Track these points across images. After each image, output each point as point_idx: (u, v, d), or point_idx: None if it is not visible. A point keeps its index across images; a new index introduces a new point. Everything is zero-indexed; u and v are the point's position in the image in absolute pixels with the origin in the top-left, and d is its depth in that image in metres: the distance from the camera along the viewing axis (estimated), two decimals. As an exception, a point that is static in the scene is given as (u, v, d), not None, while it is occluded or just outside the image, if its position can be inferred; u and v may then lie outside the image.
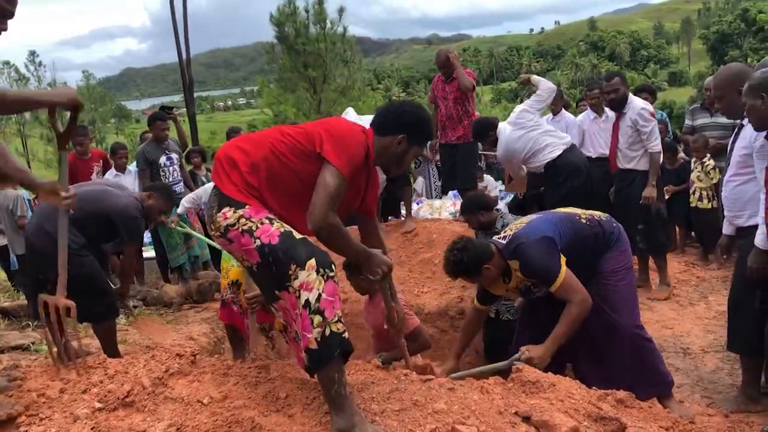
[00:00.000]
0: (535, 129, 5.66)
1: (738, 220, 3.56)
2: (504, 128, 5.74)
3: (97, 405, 2.38)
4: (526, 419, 2.41)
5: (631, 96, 5.41)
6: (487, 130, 5.84)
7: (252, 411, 2.34)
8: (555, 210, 3.73)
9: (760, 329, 3.16)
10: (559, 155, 5.55)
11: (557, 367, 3.40)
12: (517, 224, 3.48)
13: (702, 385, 3.91)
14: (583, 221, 3.50)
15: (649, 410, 2.81)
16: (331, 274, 2.27)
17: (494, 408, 2.46)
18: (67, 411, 2.36)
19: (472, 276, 3.39)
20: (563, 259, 3.24)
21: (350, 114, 7.77)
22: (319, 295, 2.21)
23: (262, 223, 2.35)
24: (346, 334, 2.24)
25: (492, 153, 9.12)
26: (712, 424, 3.22)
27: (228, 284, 3.97)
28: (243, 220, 2.36)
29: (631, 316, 3.48)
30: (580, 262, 3.30)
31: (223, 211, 2.40)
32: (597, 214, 3.61)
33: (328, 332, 2.20)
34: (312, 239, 2.42)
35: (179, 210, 6.48)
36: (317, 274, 2.23)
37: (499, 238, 3.47)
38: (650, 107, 5.36)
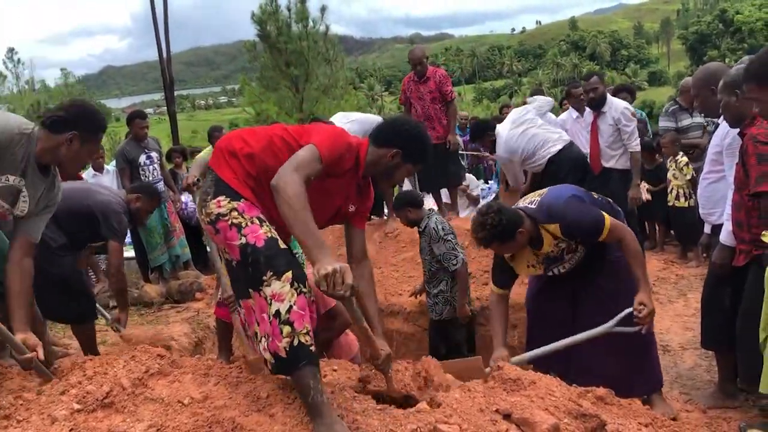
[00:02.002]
0: (534, 125, 5.67)
1: (711, 217, 3.61)
2: (503, 128, 5.71)
3: (76, 406, 2.35)
4: (507, 417, 2.42)
5: (609, 96, 5.48)
6: (484, 131, 5.83)
7: (233, 411, 2.33)
8: (573, 185, 3.71)
9: (732, 326, 3.20)
10: (560, 150, 5.51)
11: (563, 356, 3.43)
12: (535, 194, 3.44)
13: (680, 381, 3.95)
14: (597, 197, 3.54)
15: (628, 407, 2.84)
16: (305, 289, 2.29)
17: (475, 406, 2.47)
18: (45, 413, 2.33)
19: (506, 241, 3.23)
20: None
21: (338, 117, 7.73)
22: (290, 306, 2.23)
23: (252, 222, 2.35)
24: (313, 348, 2.26)
25: (477, 153, 9.19)
26: (691, 420, 3.25)
27: None
28: (235, 213, 2.36)
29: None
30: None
31: (218, 198, 2.41)
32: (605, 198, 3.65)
33: (296, 342, 2.22)
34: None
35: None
36: (291, 287, 2.25)
37: (525, 204, 3.39)
38: (631, 107, 5.45)
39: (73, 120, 2.66)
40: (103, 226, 3.87)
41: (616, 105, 5.35)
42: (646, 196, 6.05)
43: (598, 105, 5.40)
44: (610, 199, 3.66)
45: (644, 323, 3.13)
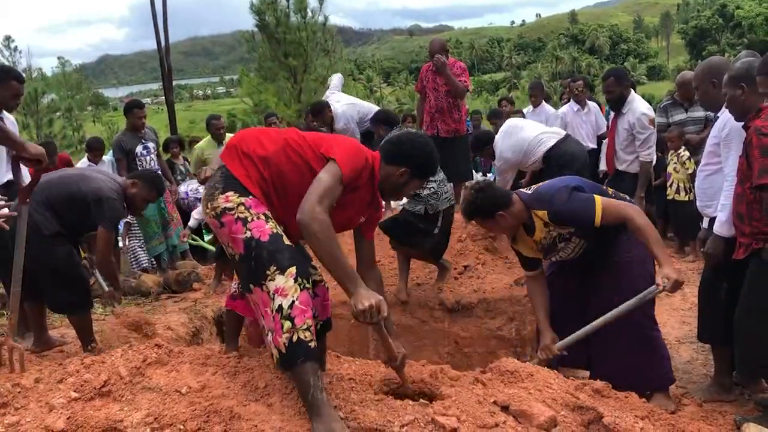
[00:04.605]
0: (523, 131, 5.72)
1: (708, 209, 3.61)
2: (498, 139, 5.81)
3: (73, 395, 2.35)
4: (505, 408, 2.43)
5: (633, 96, 5.20)
6: (484, 144, 6.00)
7: (231, 401, 2.33)
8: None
9: (728, 320, 3.21)
10: (554, 145, 5.49)
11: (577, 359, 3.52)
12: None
13: (677, 375, 3.95)
14: (610, 192, 3.49)
15: (625, 400, 2.85)
16: (308, 285, 2.34)
17: (474, 397, 2.48)
18: (43, 401, 2.34)
19: (485, 219, 3.36)
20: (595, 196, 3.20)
21: (335, 79, 7.73)
22: (293, 302, 2.26)
23: (258, 218, 2.39)
24: (313, 344, 2.27)
25: None
26: (686, 413, 3.26)
27: None
28: (242, 208, 2.41)
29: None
30: (603, 230, 3.25)
31: (227, 194, 2.45)
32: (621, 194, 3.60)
33: (295, 339, 2.24)
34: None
35: (191, 223, 6.90)
36: (295, 282, 2.29)
37: (523, 191, 3.44)
38: (651, 113, 5.16)
39: None
40: (93, 212, 3.82)
41: (634, 108, 5.09)
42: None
43: (615, 106, 5.21)
44: (626, 198, 3.57)
45: (672, 292, 3.08)
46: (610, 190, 3.54)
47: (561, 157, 5.42)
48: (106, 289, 4.15)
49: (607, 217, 3.14)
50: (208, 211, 2.49)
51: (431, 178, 4.83)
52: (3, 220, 3.03)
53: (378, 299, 2.25)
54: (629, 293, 3.19)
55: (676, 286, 3.01)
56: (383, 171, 2.64)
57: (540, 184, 3.40)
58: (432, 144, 2.76)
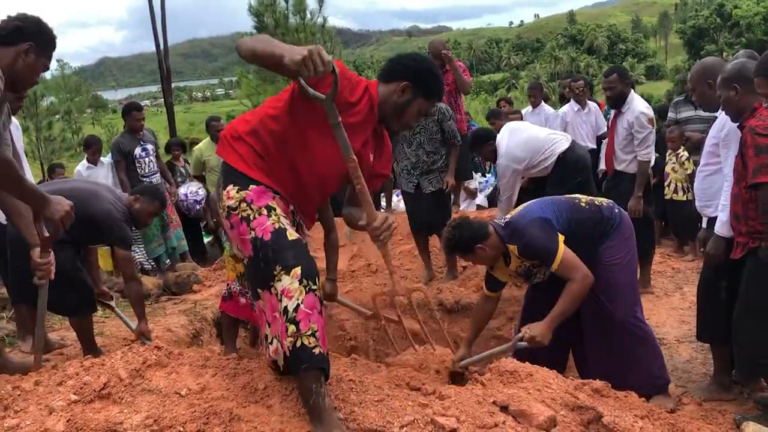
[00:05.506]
0: (529, 129, 5.57)
1: (707, 209, 3.61)
2: (502, 138, 5.44)
3: (73, 397, 2.35)
4: (504, 409, 2.43)
5: (632, 95, 5.13)
6: (485, 140, 5.59)
7: (230, 402, 2.33)
8: (554, 197, 3.68)
9: (727, 319, 3.21)
10: (567, 149, 5.24)
11: (559, 352, 3.57)
12: (514, 210, 3.55)
13: (676, 374, 3.96)
14: (583, 204, 3.50)
15: (625, 399, 2.85)
16: (314, 287, 2.23)
17: (473, 398, 2.48)
18: (42, 403, 2.33)
19: (466, 254, 3.46)
20: (561, 238, 3.25)
21: None
22: (298, 305, 2.18)
23: (260, 214, 2.31)
24: (317, 350, 2.19)
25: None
26: (686, 412, 3.26)
27: (237, 276, 3.90)
28: (243, 205, 2.33)
29: (630, 307, 3.47)
30: (578, 246, 3.28)
31: (227, 189, 2.38)
32: (598, 200, 3.59)
33: (299, 344, 2.17)
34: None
35: None
36: (299, 284, 2.20)
37: (498, 221, 3.51)
38: (650, 112, 5.09)
39: (29, 31, 2.60)
40: (107, 234, 3.85)
41: (633, 107, 5.01)
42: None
43: (614, 104, 5.13)
44: (605, 203, 3.56)
45: (528, 344, 3.22)
46: (584, 201, 3.52)
47: (576, 162, 5.22)
48: (132, 326, 4.11)
49: (560, 269, 3.23)
50: (221, 212, 2.44)
51: None
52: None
53: (315, 46, 2.04)
54: (614, 297, 3.36)
55: (532, 342, 3.18)
56: (382, 94, 2.45)
57: (514, 215, 3.47)
58: (433, 62, 2.61)
